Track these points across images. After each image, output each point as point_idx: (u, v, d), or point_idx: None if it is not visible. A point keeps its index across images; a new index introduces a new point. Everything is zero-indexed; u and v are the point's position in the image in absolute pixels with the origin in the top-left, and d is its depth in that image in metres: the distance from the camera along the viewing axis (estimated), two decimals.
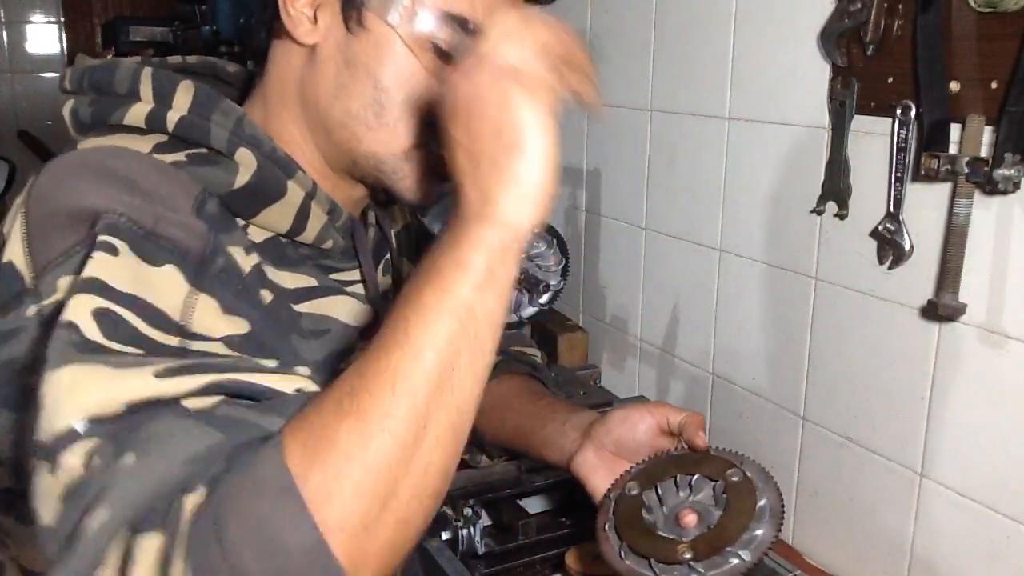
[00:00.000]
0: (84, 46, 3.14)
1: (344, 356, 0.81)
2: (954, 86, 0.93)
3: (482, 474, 1.26)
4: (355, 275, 0.85)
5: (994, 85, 0.88)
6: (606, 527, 0.84)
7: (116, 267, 0.59)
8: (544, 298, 1.55)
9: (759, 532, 0.78)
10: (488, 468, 1.27)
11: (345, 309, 0.82)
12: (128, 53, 2.83)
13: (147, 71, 0.73)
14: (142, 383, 0.54)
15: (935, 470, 1.02)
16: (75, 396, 0.52)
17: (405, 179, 0.77)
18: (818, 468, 1.18)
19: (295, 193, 0.75)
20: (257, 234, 0.75)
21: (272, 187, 0.74)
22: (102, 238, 0.60)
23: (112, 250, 0.59)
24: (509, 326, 1.53)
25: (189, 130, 0.71)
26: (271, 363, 0.62)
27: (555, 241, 1.54)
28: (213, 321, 0.62)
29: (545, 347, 1.63)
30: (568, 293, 1.65)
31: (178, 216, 0.65)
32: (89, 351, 0.55)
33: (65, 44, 3.15)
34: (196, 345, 0.60)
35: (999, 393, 0.94)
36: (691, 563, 0.76)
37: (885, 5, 1.00)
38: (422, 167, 0.77)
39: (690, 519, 0.81)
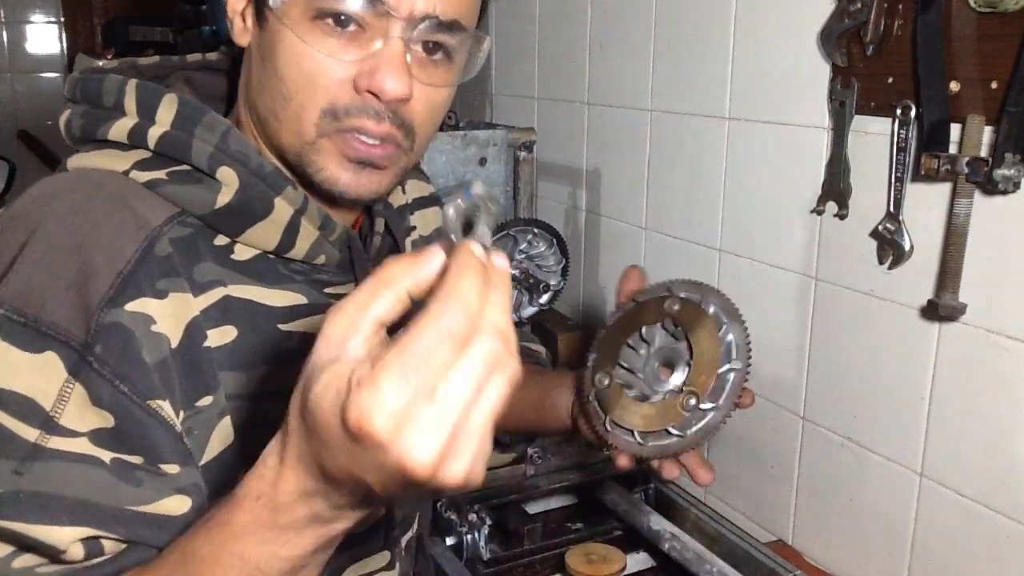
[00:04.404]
0: (84, 46, 3.14)
1: None
2: (954, 86, 0.93)
3: (487, 479, 1.26)
4: (351, 288, 0.81)
5: (994, 85, 0.88)
6: (607, 426, 0.87)
7: None
8: (544, 298, 1.55)
9: (730, 340, 0.83)
10: (493, 473, 1.27)
11: None
12: (128, 53, 2.84)
13: (132, 83, 0.72)
14: None
15: (935, 470, 1.02)
16: None
17: (320, 171, 0.73)
18: (818, 468, 1.18)
19: (282, 210, 0.72)
20: (244, 251, 0.73)
21: (257, 205, 0.71)
22: None
23: None
24: None
25: (171, 147, 0.70)
26: (135, 459, 0.64)
27: (555, 241, 1.54)
28: (83, 413, 0.62)
29: (545, 347, 1.63)
30: (568, 293, 1.65)
31: (68, 296, 0.63)
32: None
33: (65, 44, 3.15)
34: (55, 442, 0.61)
35: (999, 393, 0.94)
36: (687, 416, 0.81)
37: (885, 5, 1.00)
38: (333, 156, 0.72)
39: (665, 371, 0.86)
